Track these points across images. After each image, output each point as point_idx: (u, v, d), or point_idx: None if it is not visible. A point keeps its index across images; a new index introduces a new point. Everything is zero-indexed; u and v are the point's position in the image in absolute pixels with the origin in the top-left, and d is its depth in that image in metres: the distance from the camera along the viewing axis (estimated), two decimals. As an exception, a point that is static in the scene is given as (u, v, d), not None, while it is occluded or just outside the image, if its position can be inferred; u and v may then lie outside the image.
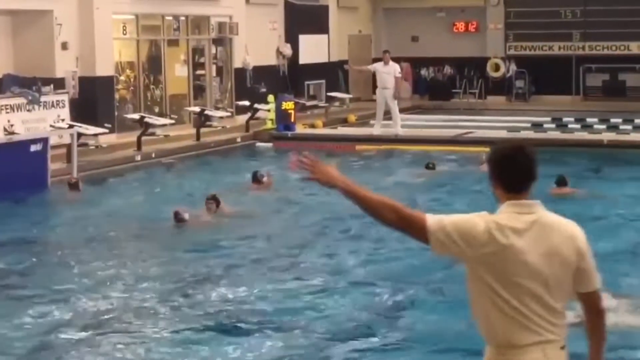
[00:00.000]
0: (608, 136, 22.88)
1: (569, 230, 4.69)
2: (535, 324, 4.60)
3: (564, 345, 4.64)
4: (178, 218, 13.96)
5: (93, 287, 10.99)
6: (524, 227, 4.60)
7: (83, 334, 9.29)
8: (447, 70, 33.29)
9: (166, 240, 13.45)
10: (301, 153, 4.69)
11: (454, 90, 33.05)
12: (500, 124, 25.28)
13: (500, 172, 4.68)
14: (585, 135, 23.25)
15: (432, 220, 4.58)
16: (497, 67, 32.70)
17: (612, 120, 24.87)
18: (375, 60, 28.42)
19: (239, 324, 9.43)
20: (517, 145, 4.72)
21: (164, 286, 10.94)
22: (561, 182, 15.85)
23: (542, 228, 4.63)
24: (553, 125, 25.00)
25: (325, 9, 30.70)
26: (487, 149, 5.14)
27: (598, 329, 4.83)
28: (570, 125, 24.83)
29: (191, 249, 12.68)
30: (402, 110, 24.82)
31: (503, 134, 23.48)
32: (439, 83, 33.29)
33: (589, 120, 25.09)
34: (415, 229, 4.60)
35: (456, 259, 4.66)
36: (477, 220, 4.60)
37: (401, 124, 23.98)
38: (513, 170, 4.66)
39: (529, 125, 24.95)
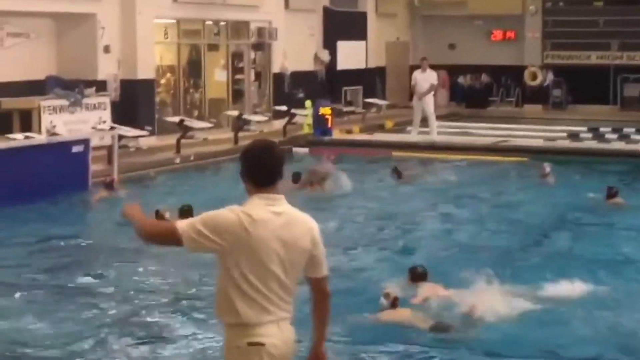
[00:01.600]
0: (645, 147, 22.89)
1: (307, 222, 5.30)
2: (274, 305, 5.18)
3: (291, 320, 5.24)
4: (158, 217, 13.86)
5: (129, 284, 11.21)
6: (269, 217, 5.18)
7: (120, 329, 9.52)
8: (484, 78, 33.35)
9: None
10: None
11: (490, 98, 33.13)
12: (536, 132, 25.35)
13: (251, 169, 5.24)
14: (622, 146, 23.24)
15: (181, 223, 5.16)
16: (534, 76, 32.75)
17: (649, 130, 24.88)
18: (413, 67, 28.57)
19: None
20: (266, 146, 5.31)
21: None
22: (613, 192, 16.01)
23: (285, 219, 5.21)
24: (589, 135, 24.99)
25: (363, 15, 30.88)
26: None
27: (323, 312, 5.43)
28: (607, 136, 24.83)
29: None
30: (438, 118, 24.95)
31: (540, 142, 23.60)
32: (475, 91, 33.36)
33: (626, 130, 25.07)
34: (169, 236, 5.20)
35: (210, 251, 5.14)
36: (227, 213, 5.15)
37: (437, 131, 24.13)
38: (261, 168, 5.22)
39: (565, 134, 25.00)
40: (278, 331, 5.18)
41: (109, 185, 17.07)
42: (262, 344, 5.12)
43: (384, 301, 9.62)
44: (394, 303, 9.55)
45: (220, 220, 5.14)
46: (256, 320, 5.15)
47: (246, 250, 5.12)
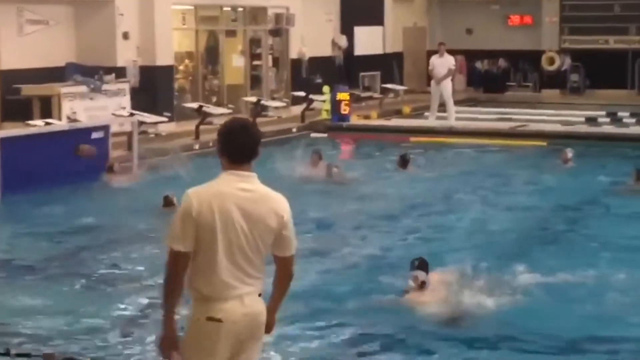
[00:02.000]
0: (663, 131, 22.86)
1: (276, 201, 5.44)
2: (238, 279, 5.34)
3: (261, 293, 5.42)
4: (167, 202, 13.92)
5: (146, 270, 11.28)
6: (234, 193, 5.35)
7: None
8: (502, 63, 33.31)
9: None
10: None
11: (508, 83, 33.10)
12: (554, 117, 25.35)
13: (226, 145, 5.41)
14: (640, 130, 23.23)
15: (177, 244, 5.34)
16: (552, 61, 32.69)
17: (668, 115, 24.84)
18: (430, 52, 28.58)
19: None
20: (242, 124, 5.51)
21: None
22: None
23: (251, 195, 5.36)
24: (607, 120, 24.99)
25: (380, 1, 30.88)
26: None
27: (282, 288, 5.61)
28: (624, 120, 24.81)
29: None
30: (456, 103, 24.93)
31: (557, 127, 23.61)
32: (493, 76, 33.32)
33: (644, 114, 25.06)
34: (170, 263, 5.39)
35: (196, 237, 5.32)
36: (190, 199, 5.35)
37: (455, 116, 24.16)
38: (236, 145, 5.37)
39: (583, 119, 24.98)
40: (240, 306, 5.35)
41: (110, 169, 17.12)
42: (220, 321, 5.30)
43: (411, 284, 9.66)
44: (422, 286, 9.59)
45: (185, 211, 5.35)
46: (218, 294, 5.33)
47: (212, 226, 5.30)
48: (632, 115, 25.21)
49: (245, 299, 5.37)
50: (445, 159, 20.19)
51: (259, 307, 5.44)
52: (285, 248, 5.51)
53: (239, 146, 5.38)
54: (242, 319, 5.35)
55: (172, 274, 5.37)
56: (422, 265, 10.12)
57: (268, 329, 5.58)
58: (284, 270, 5.56)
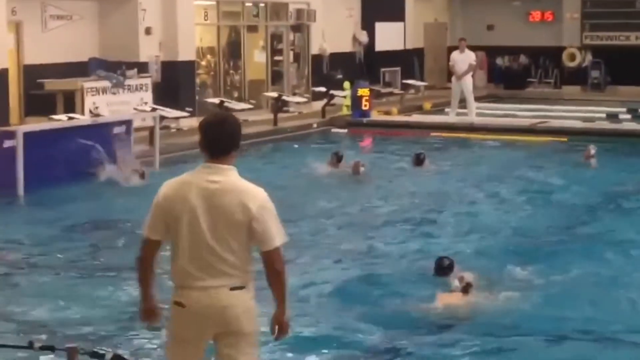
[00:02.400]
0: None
1: (246, 193, 5.46)
2: (202, 271, 5.45)
3: (238, 287, 5.46)
4: None
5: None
6: (205, 185, 5.45)
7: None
8: (523, 59, 33.26)
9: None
10: None
11: (529, 80, 33.05)
12: (575, 113, 25.32)
13: (202, 139, 5.56)
14: (661, 127, 23.17)
15: (145, 230, 5.62)
16: (572, 57, 32.62)
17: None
18: (451, 48, 28.58)
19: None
20: (219, 119, 5.64)
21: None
22: None
23: (219, 187, 5.43)
24: (629, 116, 24.94)
25: (401, -4, 30.89)
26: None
27: (274, 287, 5.57)
28: (646, 117, 24.77)
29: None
30: (476, 99, 24.95)
31: (578, 123, 23.57)
32: (514, 72, 33.27)
33: (665, 111, 24.99)
34: (145, 247, 5.67)
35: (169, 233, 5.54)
36: (161, 189, 5.56)
37: (476, 112, 24.17)
38: (211, 139, 5.50)
39: (604, 115, 24.95)
40: (204, 297, 5.47)
41: (142, 176, 16.99)
42: (183, 306, 5.52)
43: (457, 284, 9.67)
44: (466, 288, 9.58)
45: (157, 200, 5.58)
46: (180, 282, 5.55)
47: (179, 217, 5.48)
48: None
49: (212, 292, 5.46)
50: (465, 156, 20.19)
51: (229, 300, 5.47)
52: (261, 242, 5.48)
53: (213, 140, 5.51)
54: (205, 310, 5.47)
55: (140, 257, 5.71)
56: (450, 265, 10.16)
57: (278, 332, 5.62)
58: (266, 266, 5.52)
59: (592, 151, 18.28)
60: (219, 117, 5.71)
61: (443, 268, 10.21)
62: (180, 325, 5.58)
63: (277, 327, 5.62)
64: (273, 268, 5.52)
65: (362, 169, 17.12)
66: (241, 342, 5.54)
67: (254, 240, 5.49)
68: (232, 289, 5.48)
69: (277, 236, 5.49)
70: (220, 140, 5.51)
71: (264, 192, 5.53)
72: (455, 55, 24.37)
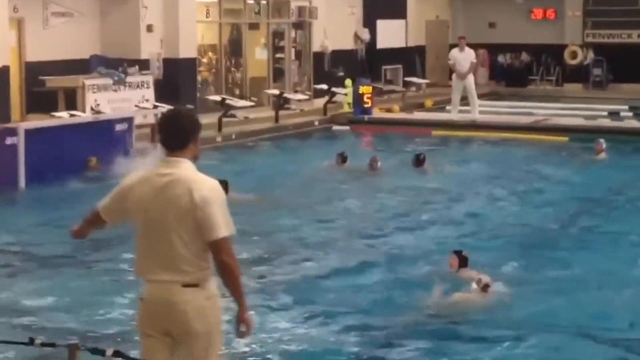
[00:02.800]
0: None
1: (194, 182, 5.44)
2: (157, 265, 5.46)
3: (191, 285, 5.42)
4: None
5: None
6: (155, 178, 5.50)
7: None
8: (524, 57, 33.24)
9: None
10: None
11: (530, 77, 33.02)
12: (576, 111, 25.30)
13: (158, 133, 5.68)
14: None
15: (101, 202, 5.72)
16: (574, 55, 32.59)
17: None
18: (452, 46, 28.56)
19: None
20: (173, 114, 5.69)
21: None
22: None
23: (168, 179, 5.45)
24: (630, 114, 24.93)
25: (403, -6, 30.87)
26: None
27: (224, 281, 5.50)
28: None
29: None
30: (478, 97, 24.88)
31: (580, 121, 23.55)
32: (515, 69, 33.25)
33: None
34: (93, 221, 5.81)
35: (125, 217, 5.67)
36: (128, 179, 5.64)
37: (478, 110, 24.15)
38: (165, 133, 5.57)
39: (605, 113, 24.93)
40: (157, 291, 5.49)
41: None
42: (142, 299, 5.60)
43: (475, 285, 9.71)
44: (485, 288, 9.64)
45: (120, 187, 5.67)
46: (140, 276, 5.63)
47: (136, 210, 5.55)
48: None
49: (164, 286, 5.47)
50: (468, 153, 20.20)
51: (180, 297, 5.43)
52: (206, 230, 5.39)
53: (167, 134, 5.56)
54: (157, 305, 5.49)
55: (87, 213, 5.88)
56: (463, 259, 10.24)
57: (240, 331, 5.53)
58: (215, 257, 5.43)
59: (603, 145, 18.30)
60: (172, 112, 5.76)
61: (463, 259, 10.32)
62: (140, 318, 5.63)
63: (239, 325, 5.52)
64: (219, 259, 5.41)
65: (377, 163, 17.19)
66: (193, 345, 5.48)
67: (200, 231, 5.41)
68: (185, 285, 5.44)
69: (223, 226, 5.40)
70: (173, 134, 5.54)
71: (214, 182, 5.51)
72: (455, 53, 24.30)
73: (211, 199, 5.41)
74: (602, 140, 18.51)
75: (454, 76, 24.35)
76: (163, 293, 5.47)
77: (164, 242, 5.45)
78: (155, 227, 5.48)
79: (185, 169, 5.49)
